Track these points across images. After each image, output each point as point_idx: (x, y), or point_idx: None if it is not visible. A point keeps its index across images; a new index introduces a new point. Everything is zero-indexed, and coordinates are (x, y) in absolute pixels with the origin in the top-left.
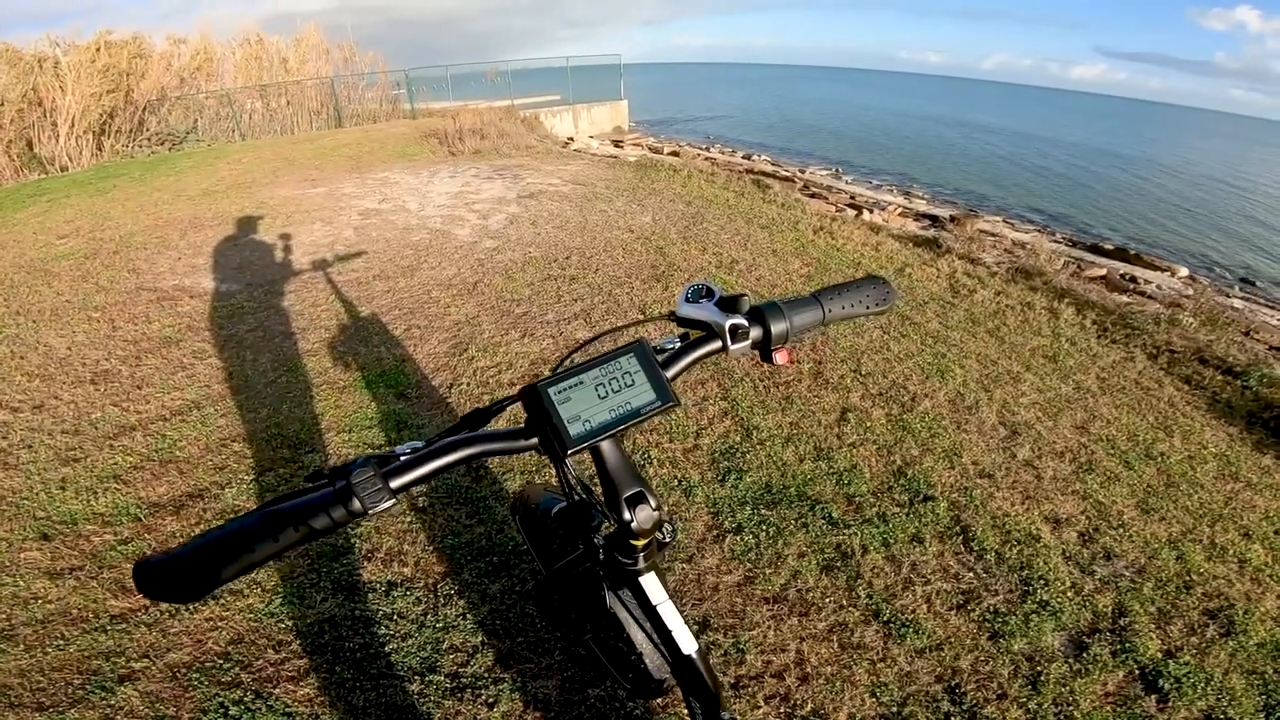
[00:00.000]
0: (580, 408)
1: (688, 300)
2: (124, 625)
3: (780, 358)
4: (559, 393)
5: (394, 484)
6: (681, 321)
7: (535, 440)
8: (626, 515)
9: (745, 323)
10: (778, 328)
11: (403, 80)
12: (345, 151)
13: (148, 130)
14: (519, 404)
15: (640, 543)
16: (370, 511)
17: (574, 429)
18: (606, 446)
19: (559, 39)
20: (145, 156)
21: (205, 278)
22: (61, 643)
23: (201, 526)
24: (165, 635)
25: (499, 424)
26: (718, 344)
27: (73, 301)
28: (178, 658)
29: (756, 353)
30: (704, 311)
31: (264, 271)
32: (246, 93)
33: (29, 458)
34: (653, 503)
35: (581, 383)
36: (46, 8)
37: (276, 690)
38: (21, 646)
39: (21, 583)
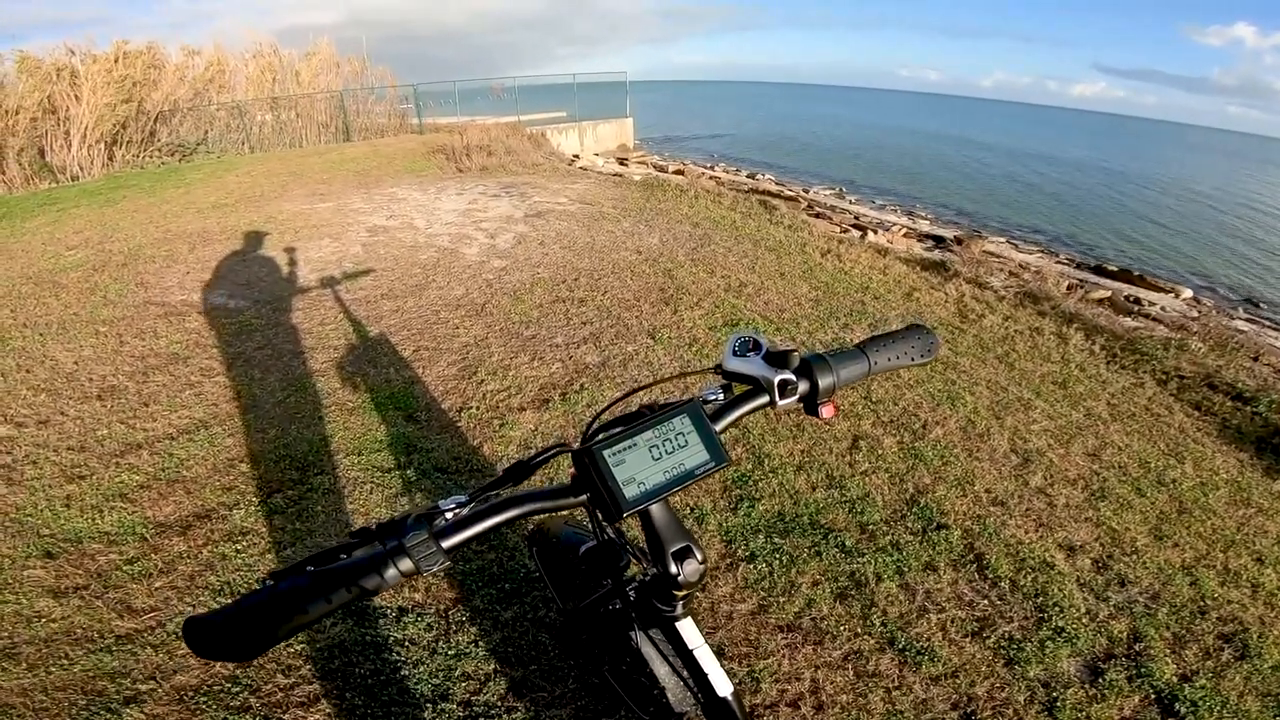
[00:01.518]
0: (634, 470)
1: (735, 353)
2: (130, 646)
3: (826, 411)
4: (614, 455)
5: (447, 544)
6: (728, 375)
7: (585, 498)
8: (674, 569)
9: (794, 378)
10: (825, 381)
11: (410, 94)
12: (353, 166)
13: (158, 141)
14: (557, 451)
15: (683, 593)
16: (424, 572)
17: (629, 491)
18: (655, 505)
19: (560, 56)
20: (156, 167)
21: (213, 293)
22: (65, 662)
23: (209, 548)
24: (172, 657)
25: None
26: (765, 399)
27: (80, 314)
28: (185, 680)
29: (802, 405)
30: (752, 366)
31: (272, 288)
32: (257, 105)
33: (34, 474)
34: (699, 556)
35: (635, 445)
36: (60, 15)
37: (286, 716)
38: (24, 665)
39: (25, 600)
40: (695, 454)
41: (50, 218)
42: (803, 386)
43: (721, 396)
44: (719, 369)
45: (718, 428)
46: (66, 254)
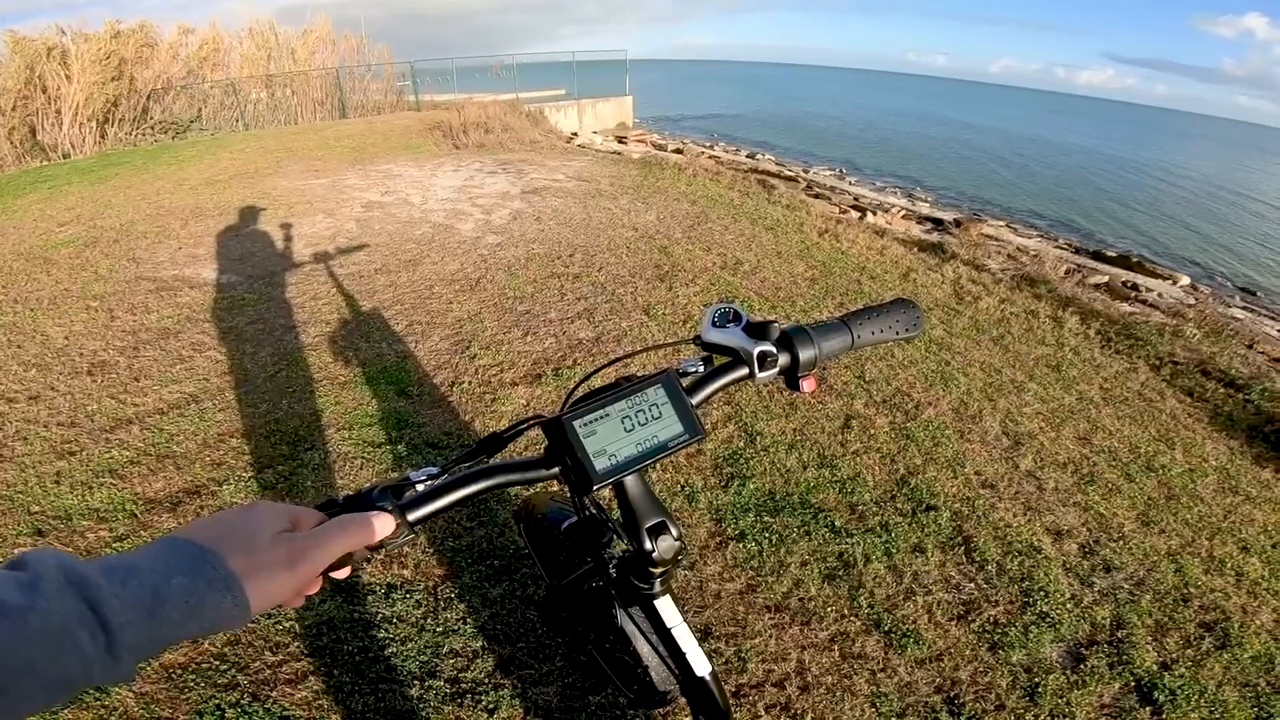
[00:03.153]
0: (606, 441)
1: (714, 324)
2: None
3: (807, 385)
4: (584, 425)
5: (412, 517)
6: (706, 346)
7: (556, 470)
8: (648, 545)
9: (774, 350)
10: (806, 354)
11: (408, 72)
12: (349, 143)
13: (151, 119)
14: (530, 423)
15: (659, 570)
16: (388, 546)
17: (599, 463)
18: (629, 478)
19: (562, 36)
20: (149, 145)
21: (205, 268)
22: None
23: None
24: None
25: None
26: (744, 371)
27: (71, 290)
28: (173, 658)
29: (782, 379)
30: (731, 337)
31: (265, 263)
32: (252, 82)
33: (24, 450)
34: (674, 532)
35: (607, 415)
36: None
37: (274, 693)
38: None
39: None
40: (669, 426)
41: (42, 195)
42: (783, 359)
43: (701, 368)
44: (698, 340)
45: (694, 400)
46: (58, 230)
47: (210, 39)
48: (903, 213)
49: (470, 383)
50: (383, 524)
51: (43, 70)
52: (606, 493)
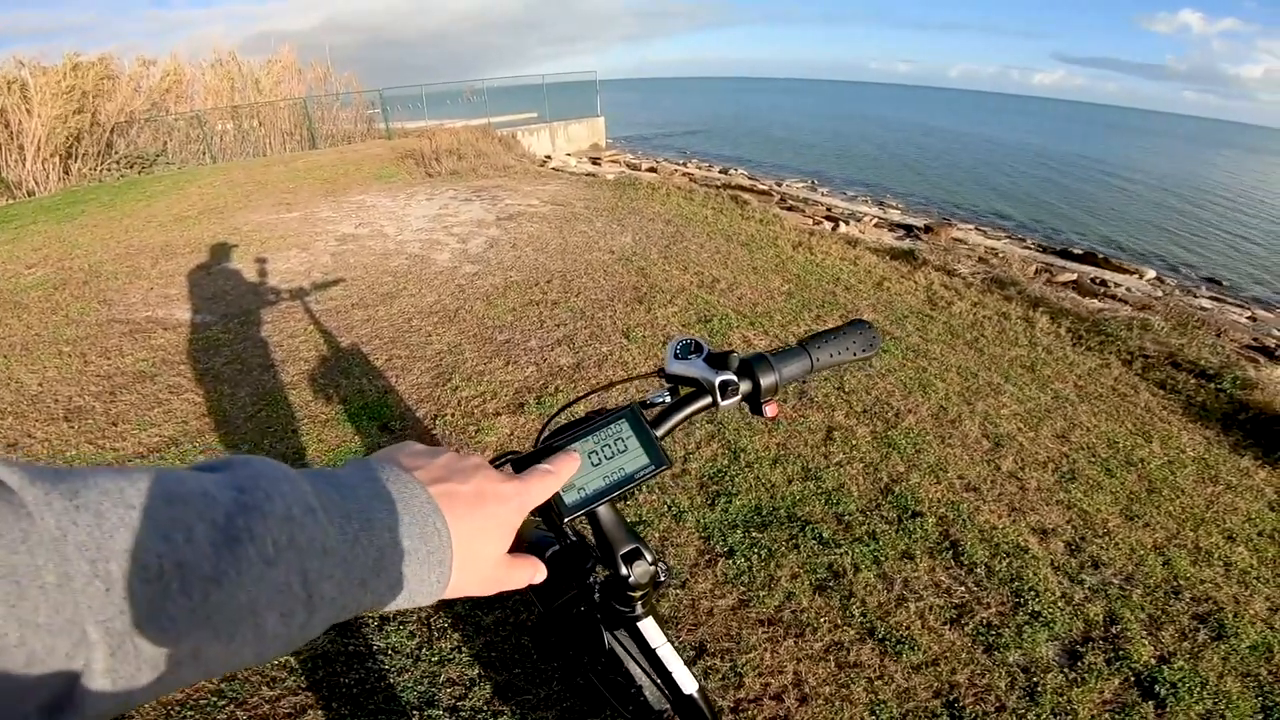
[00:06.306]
0: (575, 475)
1: (676, 357)
2: None
3: (770, 410)
4: None
5: None
6: (670, 378)
7: None
8: (624, 571)
9: (735, 378)
10: (767, 380)
11: (377, 100)
12: (320, 174)
13: (116, 153)
14: (504, 460)
15: (638, 594)
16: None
17: (569, 497)
18: (602, 508)
19: (537, 56)
20: (114, 180)
21: (179, 308)
22: None
23: None
24: None
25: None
26: (708, 400)
27: (43, 335)
28: (170, 695)
29: (746, 405)
30: (693, 368)
31: (239, 301)
32: (218, 114)
33: None
34: (649, 558)
35: (574, 452)
36: (19, 25)
37: None
38: None
39: None
40: (635, 458)
41: (8, 235)
42: (745, 386)
43: (669, 399)
44: (661, 372)
45: (660, 431)
46: (26, 273)
47: (171, 70)
48: (875, 221)
49: (453, 414)
50: (569, 465)
51: (3, 104)
52: (580, 522)
